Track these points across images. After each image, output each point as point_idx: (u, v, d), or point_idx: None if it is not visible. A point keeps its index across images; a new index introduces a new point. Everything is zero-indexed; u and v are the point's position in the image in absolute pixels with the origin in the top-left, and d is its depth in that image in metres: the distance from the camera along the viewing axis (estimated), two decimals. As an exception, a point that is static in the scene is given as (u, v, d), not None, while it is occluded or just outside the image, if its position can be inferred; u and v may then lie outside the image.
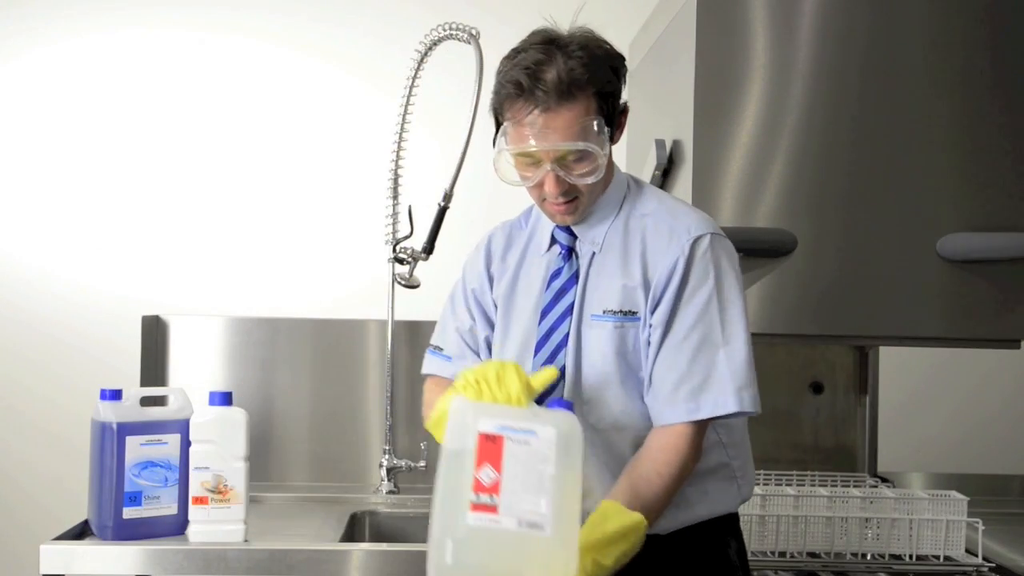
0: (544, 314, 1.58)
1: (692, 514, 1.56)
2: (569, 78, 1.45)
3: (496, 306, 1.67)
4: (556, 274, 1.59)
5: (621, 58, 1.55)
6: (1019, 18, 1.86)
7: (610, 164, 1.57)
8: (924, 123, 1.86)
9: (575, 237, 1.58)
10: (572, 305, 1.56)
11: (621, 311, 1.52)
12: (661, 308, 1.50)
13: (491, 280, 1.68)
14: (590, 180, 1.48)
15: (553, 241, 1.61)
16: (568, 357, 1.54)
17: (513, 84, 1.46)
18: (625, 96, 1.57)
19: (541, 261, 1.62)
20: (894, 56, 1.86)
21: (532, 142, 1.46)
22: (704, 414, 1.47)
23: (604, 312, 1.53)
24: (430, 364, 1.73)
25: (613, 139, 1.52)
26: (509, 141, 1.50)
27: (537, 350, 1.57)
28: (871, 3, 1.87)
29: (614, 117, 1.51)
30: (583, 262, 1.57)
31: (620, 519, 1.39)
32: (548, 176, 1.48)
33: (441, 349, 1.72)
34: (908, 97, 1.86)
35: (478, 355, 1.69)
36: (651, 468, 1.46)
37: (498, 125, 1.52)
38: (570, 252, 1.59)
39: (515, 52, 1.51)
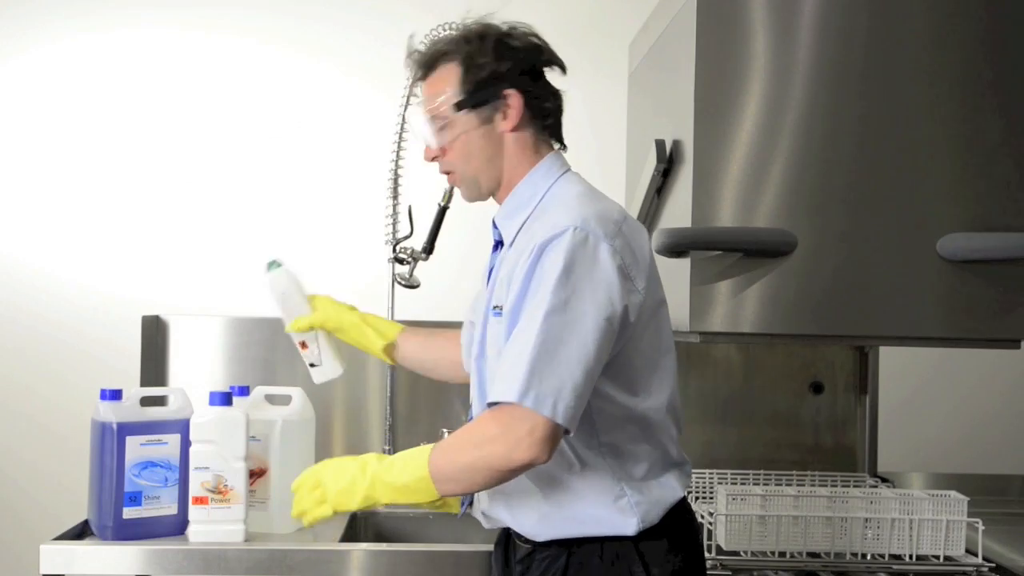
0: (480, 309, 1.66)
1: (560, 525, 1.55)
2: (431, 49, 1.61)
3: None
4: (490, 271, 1.67)
5: (512, 45, 1.58)
6: (1019, 18, 1.86)
7: (516, 154, 1.60)
8: (924, 123, 1.86)
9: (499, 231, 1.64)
10: (486, 299, 1.61)
11: (497, 306, 1.54)
12: (511, 295, 1.50)
13: None
14: (440, 143, 1.60)
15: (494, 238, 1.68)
16: (475, 349, 1.63)
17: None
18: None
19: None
20: (894, 56, 1.86)
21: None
22: (494, 396, 1.45)
23: (495, 308, 1.56)
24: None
25: (492, 121, 1.57)
26: None
27: (475, 344, 1.64)
28: (871, 3, 1.86)
29: (487, 97, 1.56)
30: (499, 256, 1.63)
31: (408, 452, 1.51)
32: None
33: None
34: (908, 97, 1.86)
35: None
36: (455, 432, 1.52)
37: None
38: (497, 246, 1.66)
39: None
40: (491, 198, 1.67)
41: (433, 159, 1.64)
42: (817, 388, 2.56)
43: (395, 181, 2.47)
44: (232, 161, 2.78)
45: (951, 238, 1.84)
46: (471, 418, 1.66)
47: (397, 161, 2.47)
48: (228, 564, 1.86)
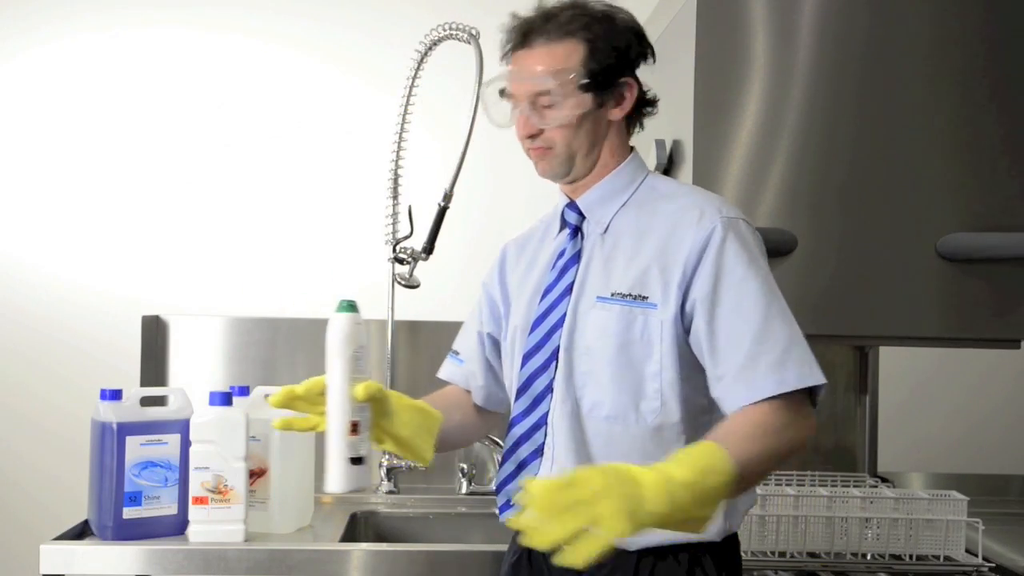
0: (545, 293, 1.58)
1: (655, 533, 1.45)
2: (550, 17, 1.52)
3: (510, 299, 1.69)
4: (561, 254, 1.59)
5: (634, 32, 1.55)
6: (1019, 18, 1.86)
7: (615, 141, 1.57)
8: (924, 123, 1.86)
9: (583, 217, 1.58)
10: (572, 285, 1.54)
11: (631, 295, 1.48)
12: (701, 284, 1.44)
13: (502, 277, 1.72)
14: (553, 124, 1.51)
15: (564, 223, 1.61)
16: (563, 338, 1.52)
17: (509, 24, 1.55)
18: (649, 85, 1.59)
19: (552, 244, 1.63)
20: (894, 56, 1.86)
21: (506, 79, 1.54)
22: (791, 385, 1.38)
23: (612, 295, 1.49)
24: (442, 369, 1.79)
25: (605, 106, 1.54)
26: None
27: (533, 328, 1.56)
28: (871, 3, 1.87)
29: (608, 81, 1.52)
30: (588, 242, 1.57)
31: (705, 454, 1.26)
32: (520, 116, 1.53)
33: (457, 353, 1.77)
34: (908, 97, 1.86)
35: (488, 360, 1.73)
36: (744, 433, 1.35)
37: None
38: (576, 232, 1.59)
39: None
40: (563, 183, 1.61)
41: (531, 136, 1.54)
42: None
43: (395, 181, 2.47)
44: (232, 161, 2.78)
45: (951, 238, 1.84)
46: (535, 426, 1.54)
47: (397, 161, 2.47)
48: (228, 564, 1.86)
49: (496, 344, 1.72)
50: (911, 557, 1.96)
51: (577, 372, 1.51)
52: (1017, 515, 2.49)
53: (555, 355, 1.53)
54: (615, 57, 1.52)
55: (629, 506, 1.14)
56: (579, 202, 1.58)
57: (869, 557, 1.97)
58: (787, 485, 2.11)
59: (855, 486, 2.15)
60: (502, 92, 1.57)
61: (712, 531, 1.45)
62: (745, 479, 1.29)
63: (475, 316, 1.76)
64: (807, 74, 1.86)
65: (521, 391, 1.57)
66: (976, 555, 1.94)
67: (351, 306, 1.48)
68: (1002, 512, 2.46)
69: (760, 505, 1.97)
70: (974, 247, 1.83)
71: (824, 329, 1.87)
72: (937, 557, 1.96)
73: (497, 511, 1.59)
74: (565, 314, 1.53)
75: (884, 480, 2.35)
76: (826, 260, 1.84)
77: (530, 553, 1.58)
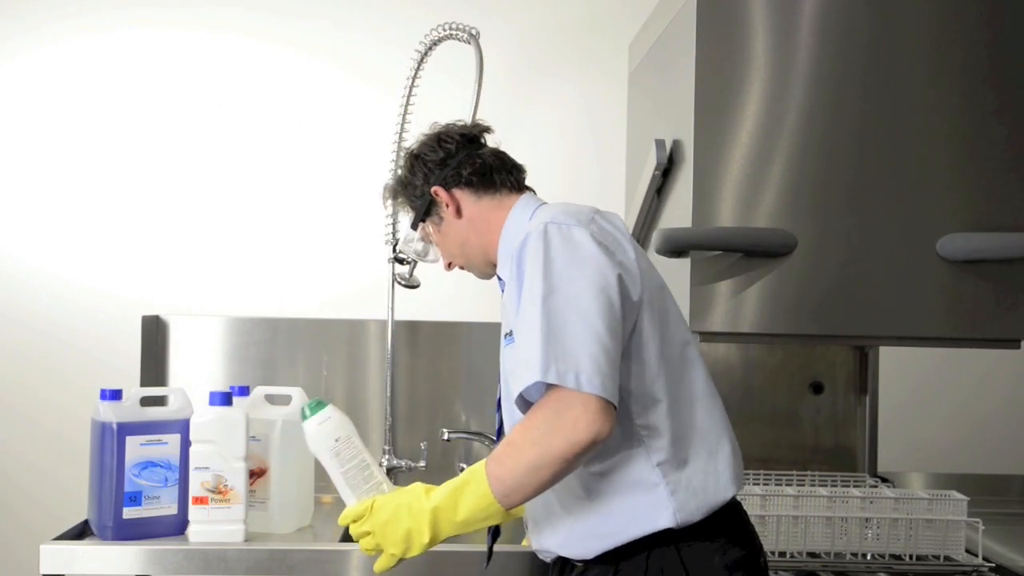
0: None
1: (602, 538, 1.54)
2: (391, 195, 1.87)
3: None
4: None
5: (417, 155, 1.77)
6: (1019, 18, 1.86)
7: (481, 225, 1.72)
8: (924, 123, 1.86)
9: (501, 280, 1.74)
10: (502, 333, 1.67)
11: (507, 333, 1.58)
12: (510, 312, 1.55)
13: None
14: (432, 260, 1.87)
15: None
16: (502, 384, 1.68)
17: None
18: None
19: None
20: (894, 56, 1.86)
21: None
22: (525, 382, 1.44)
23: (505, 336, 1.60)
24: None
25: (444, 219, 1.74)
26: None
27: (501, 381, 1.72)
28: (871, 3, 1.87)
29: (425, 207, 1.76)
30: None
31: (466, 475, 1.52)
32: None
33: None
34: (908, 97, 1.86)
35: None
36: (506, 438, 1.50)
37: None
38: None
39: None
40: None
41: (449, 267, 1.82)
42: (817, 388, 2.56)
43: (395, 181, 2.47)
44: (232, 161, 2.78)
45: (951, 238, 1.84)
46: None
47: (397, 161, 2.47)
48: (228, 564, 1.86)
49: None
50: (911, 557, 1.96)
51: (513, 412, 1.60)
52: (1017, 515, 2.50)
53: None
54: (413, 190, 1.77)
55: (405, 540, 1.51)
56: (498, 274, 1.75)
57: (869, 557, 1.97)
58: (787, 485, 2.11)
59: (855, 486, 2.16)
60: None
61: (661, 519, 1.50)
62: (510, 486, 1.46)
63: None
64: (807, 74, 1.86)
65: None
66: (976, 555, 1.94)
67: (312, 408, 1.63)
68: (1002, 512, 2.46)
69: (760, 505, 1.98)
70: (974, 247, 1.83)
71: (824, 329, 1.87)
72: (937, 557, 1.96)
73: None
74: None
75: (884, 480, 2.35)
76: (826, 260, 1.85)
77: (562, 565, 1.67)
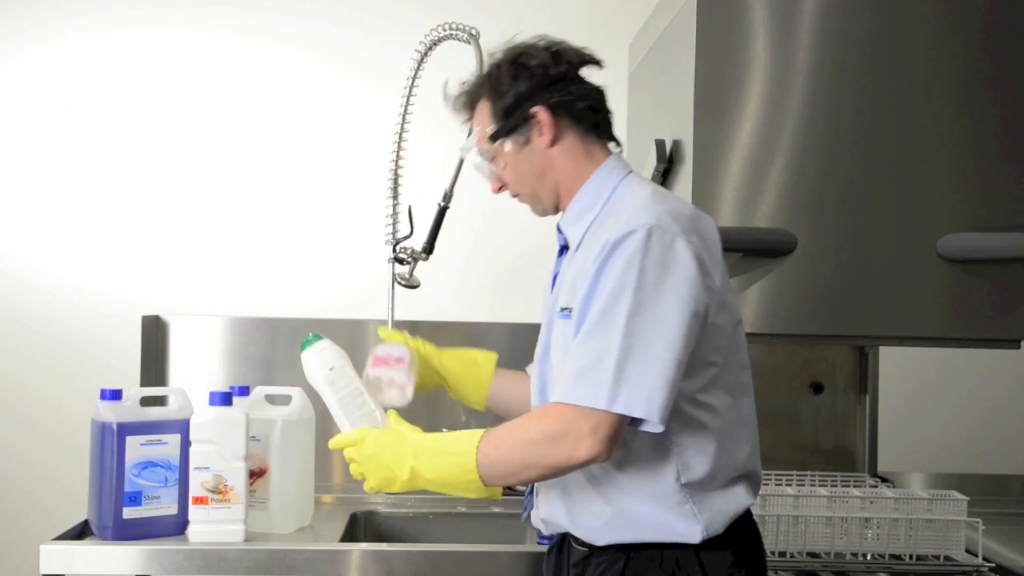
0: (546, 312, 1.66)
1: (621, 530, 1.51)
2: (463, 92, 1.67)
3: None
4: (555, 275, 1.66)
5: (526, 65, 1.58)
6: (1019, 18, 1.86)
7: (568, 163, 1.59)
8: (924, 123, 1.86)
9: (565, 237, 1.63)
10: (551, 302, 1.61)
11: (567, 308, 1.52)
12: (580, 293, 1.46)
13: (545, 294, 1.77)
14: (490, 179, 1.66)
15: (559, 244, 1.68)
16: (539, 353, 1.62)
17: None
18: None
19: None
20: (894, 56, 1.86)
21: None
22: (572, 399, 1.41)
23: (561, 310, 1.54)
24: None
25: (531, 141, 1.58)
26: None
27: (539, 345, 1.64)
28: (871, 3, 1.87)
29: (518, 120, 1.58)
30: (564, 260, 1.62)
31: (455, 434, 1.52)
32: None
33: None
34: (908, 97, 1.86)
35: None
36: (510, 424, 1.49)
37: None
38: (563, 251, 1.64)
39: None
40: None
41: (499, 190, 1.67)
42: (817, 388, 2.56)
43: (395, 181, 2.47)
44: (232, 161, 2.78)
45: (951, 238, 1.84)
46: None
47: (397, 161, 2.47)
48: (228, 564, 1.86)
49: None
50: (911, 557, 1.96)
51: (548, 385, 1.58)
52: (1017, 515, 2.49)
53: None
54: (512, 96, 1.58)
55: (385, 478, 1.52)
56: (560, 224, 1.63)
57: (869, 557, 1.97)
58: (787, 485, 2.11)
59: (855, 486, 2.15)
60: None
61: (684, 533, 1.48)
62: (497, 471, 1.46)
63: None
64: (807, 74, 1.86)
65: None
66: (976, 555, 1.94)
67: (308, 342, 1.70)
68: (1002, 512, 2.46)
69: (760, 505, 1.97)
70: (974, 247, 1.83)
71: (824, 329, 1.87)
72: (937, 557, 1.96)
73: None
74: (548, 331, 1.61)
75: (884, 480, 2.35)
76: (826, 260, 1.85)
77: (560, 546, 1.65)
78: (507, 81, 1.58)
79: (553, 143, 1.58)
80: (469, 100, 1.66)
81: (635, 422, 1.42)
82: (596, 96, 1.62)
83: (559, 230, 1.64)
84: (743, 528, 1.56)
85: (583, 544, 1.56)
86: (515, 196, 1.66)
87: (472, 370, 1.83)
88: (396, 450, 1.52)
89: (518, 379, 1.83)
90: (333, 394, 1.65)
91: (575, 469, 1.45)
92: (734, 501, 1.53)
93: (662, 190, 1.58)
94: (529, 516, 1.67)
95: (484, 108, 1.62)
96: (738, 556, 1.53)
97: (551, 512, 1.59)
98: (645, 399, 1.39)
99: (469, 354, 1.85)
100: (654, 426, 1.41)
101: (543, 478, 1.50)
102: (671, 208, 1.47)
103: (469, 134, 1.68)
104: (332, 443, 1.59)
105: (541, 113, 1.57)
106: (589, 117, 1.60)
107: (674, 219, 1.45)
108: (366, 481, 1.55)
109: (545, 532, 1.65)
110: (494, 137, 1.60)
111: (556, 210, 1.64)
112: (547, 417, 1.44)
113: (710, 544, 1.50)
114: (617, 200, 1.56)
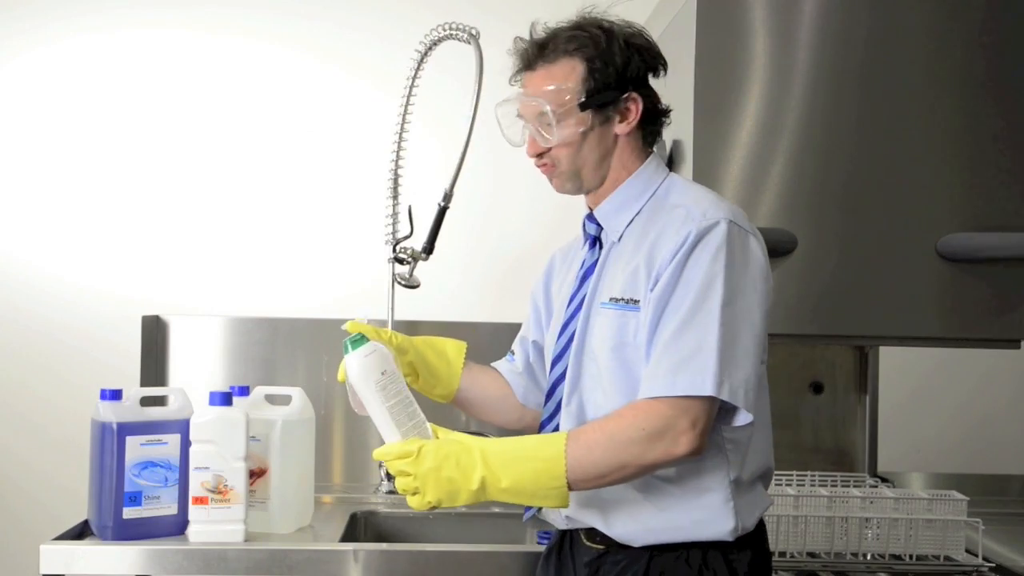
0: (569, 302, 1.63)
1: (660, 532, 1.49)
2: (551, 39, 1.56)
3: (552, 307, 1.75)
4: (583, 264, 1.64)
5: (637, 48, 1.56)
6: (1019, 18, 1.86)
7: (626, 153, 1.58)
8: (924, 123, 1.87)
9: (602, 228, 1.61)
10: (588, 293, 1.58)
11: (623, 299, 1.51)
12: (660, 284, 1.45)
13: (547, 285, 1.78)
14: (555, 143, 1.55)
15: (586, 234, 1.66)
16: (574, 344, 1.57)
17: (517, 47, 1.60)
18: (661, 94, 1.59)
19: (582, 255, 1.67)
20: (894, 56, 1.86)
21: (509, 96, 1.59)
22: (679, 390, 1.40)
23: (609, 300, 1.53)
24: (498, 362, 1.86)
25: (610, 122, 1.56)
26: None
27: (558, 336, 1.63)
28: (871, 3, 1.87)
29: (609, 98, 1.54)
30: (603, 252, 1.60)
31: (540, 438, 1.47)
32: (529, 136, 1.59)
33: (513, 354, 1.85)
34: (908, 97, 1.86)
35: (532, 365, 1.80)
36: (600, 424, 1.44)
37: None
38: (595, 242, 1.63)
39: None
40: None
41: (539, 155, 1.59)
42: (817, 388, 2.56)
43: (395, 181, 2.47)
44: (232, 161, 2.78)
45: (951, 238, 1.84)
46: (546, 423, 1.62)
47: (397, 161, 2.47)
48: (228, 564, 1.86)
49: (540, 350, 1.78)
50: (911, 557, 1.96)
51: (584, 376, 1.56)
52: (1017, 515, 2.49)
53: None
54: (615, 74, 1.54)
55: (447, 488, 1.42)
56: (596, 213, 1.61)
57: (869, 557, 1.97)
58: (787, 485, 2.11)
59: (855, 486, 2.15)
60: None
61: (722, 530, 1.48)
62: (588, 474, 1.41)
63: (526, 322, 1.83)
64: (807, 74, 1.86)
65: (548, 396, 1.64)
66: (976, 555, 1.94)
67: (354, 343, 1.52)
68: (1002, 512, 2.46)
69: (760, 505, 1.97)
70: (974, 247, 1.83)
71: (824, 329, 1.87)
72: (937, 557, 1.96)
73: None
74: (580, 320, 1.58)
75: (884, 480, 2.35)
76: (826, 260, 1.85)
77: (560, 546, 1.64)
78: (619, 56, 1.54)
79: (627, 130, 1.57)
80: (557, 51, 1.56)
81: (719, 418, 1.44)
82: (665, 104, 1.64)
83: (592, 220, 1.62)
84: (761, 526, 1.58)
85: (599, 541, 1.54)
86: (544, 165, 1.60)
87: (443, 363, 1.76)
88: (461, 461, 1.42)
89: (486, 373, 1.82)
90: (384, 401, 1.49)
91: (670, 466, 1.44)
92: (761, 497, 1.56)
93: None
94: (533, 515, 1.66)
95: (576, 69, 1.54)
96: (757, 553, 1.54)
97: (580, 511, 1.56)
98: (743, 390, 1.41)
99: (439, 344, 1.78)
100: (744, 417, 1.42)
101: (633, 478, 1.45)
102: (730, 206, 1.51)
103: (514, 79, 1.61)
104: (379, 453, 1.46)
105: (635, 102, 1.56)
106: (663, 120, 1.62)
107: (743, 217, 1.50)
108: (419, 496, 1.42)
109: (562, 526, 1.63)
110: (585, 105, 1.53)
111: (586, 193, 1.62)
112: (644, 414, 1.41)
113: (737, 541, 1.51)
114: (662, 195, 1.57)
